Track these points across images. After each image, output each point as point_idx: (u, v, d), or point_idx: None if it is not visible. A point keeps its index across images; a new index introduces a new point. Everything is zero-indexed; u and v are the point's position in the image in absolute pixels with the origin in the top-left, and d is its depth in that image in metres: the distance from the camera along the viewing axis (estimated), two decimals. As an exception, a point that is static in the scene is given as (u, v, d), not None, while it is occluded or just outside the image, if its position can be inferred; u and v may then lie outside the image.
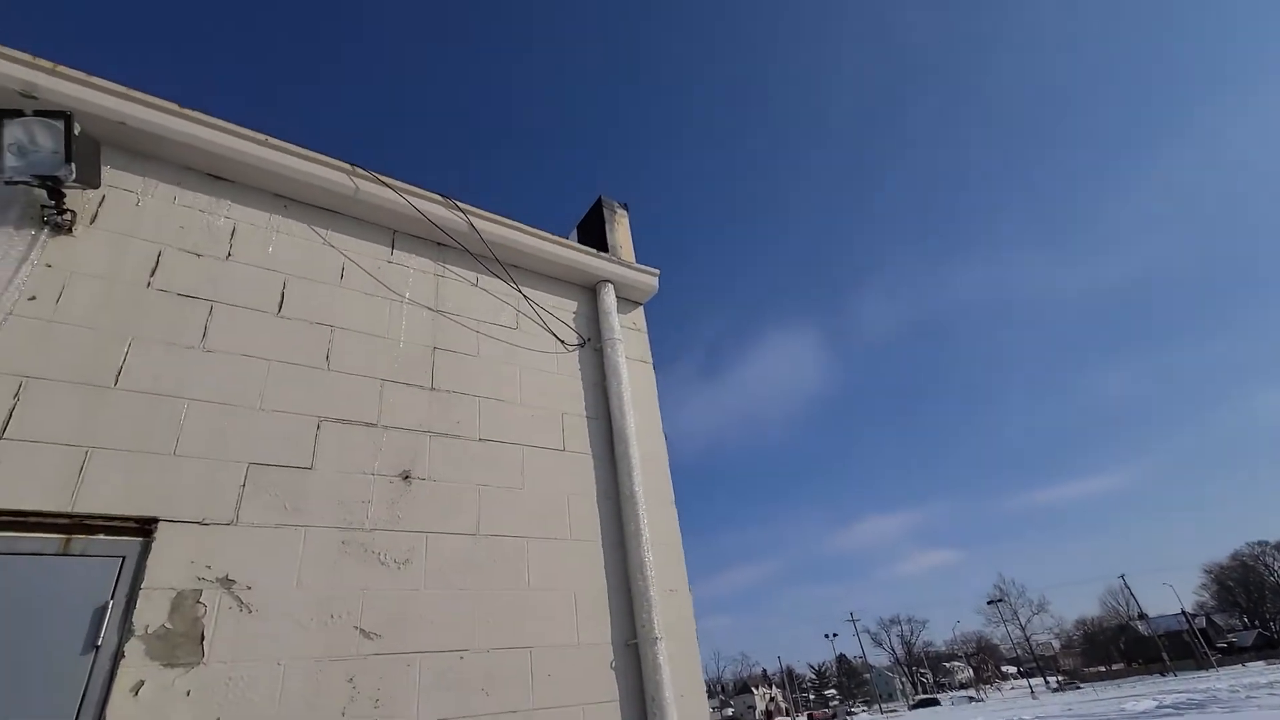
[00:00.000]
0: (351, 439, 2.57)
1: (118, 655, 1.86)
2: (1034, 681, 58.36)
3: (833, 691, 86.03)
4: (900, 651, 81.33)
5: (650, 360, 3.76)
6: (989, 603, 69.18)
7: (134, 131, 2.60)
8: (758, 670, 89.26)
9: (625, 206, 4.45)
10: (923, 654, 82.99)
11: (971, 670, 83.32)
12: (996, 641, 79.78)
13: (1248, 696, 18.35)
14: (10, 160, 2.23)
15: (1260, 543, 62.98)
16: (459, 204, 3.30)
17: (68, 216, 2.36)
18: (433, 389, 2.89)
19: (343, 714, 2.09)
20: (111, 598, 1.94)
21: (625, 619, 2.83)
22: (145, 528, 2.07)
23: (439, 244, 3.32)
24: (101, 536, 2.01)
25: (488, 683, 2.38)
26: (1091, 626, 73.43)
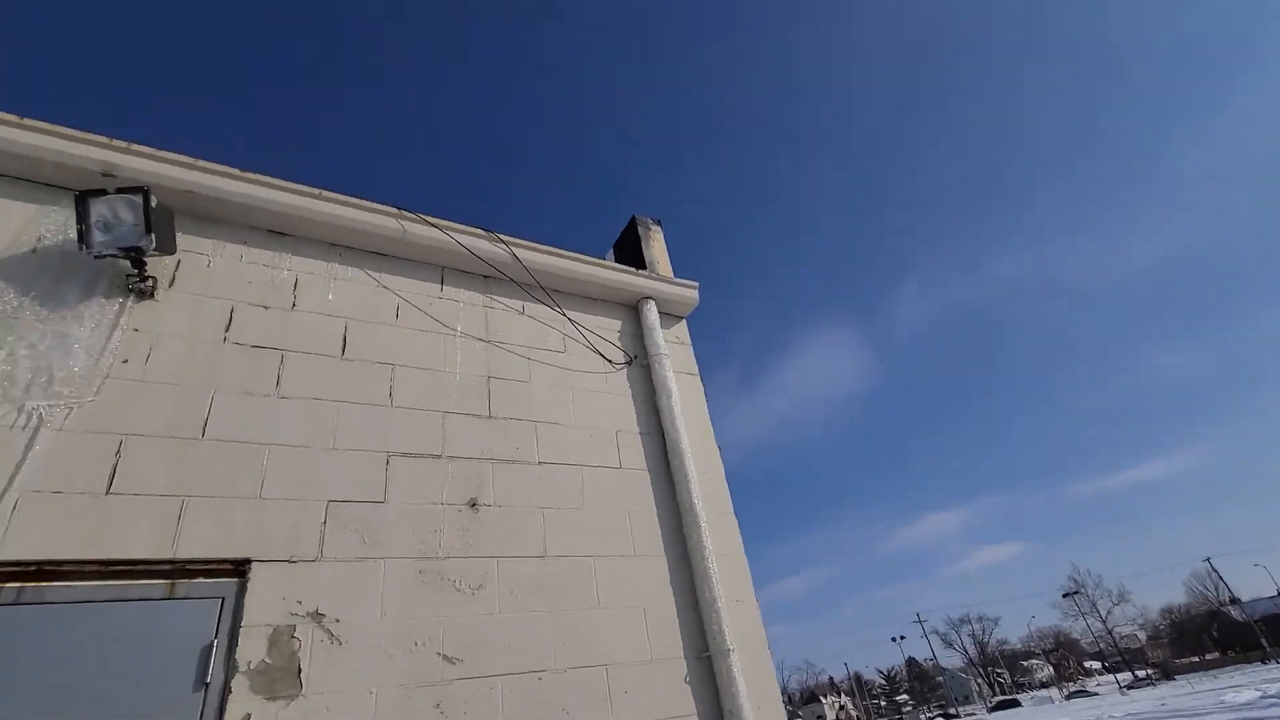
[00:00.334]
0: (419, 471, 2.67)
1: (225, 691, 1.98)
2: (1121, 676, 55.28)
3: (905, 697, 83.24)
4: (973, 651, 78.22)
5: (697, 372, 3.79)
6: (1064, 595, 65.99)
7: (201, 198, 2.78)
8: (824, 678, 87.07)
9: (659, 222, 4.51)
10: (997, 653, 79.67)
11: (1051, 667, 79.48)
12: (1076, 636, 76.04)
13: (1363, 681, 17.02)
14: (98, 236, 2.42)
15: (1360, 512, 58.43)
16: (501, 237, 3.41)
17: (149, 283, 2.54)
18: (490, 417, 2.98)
19: (433, 739, 2.16)
20: (215, 636, 2.06)
21: (695, 632, 2.84)
22: (240, 569, 2.19)
23: (485, 276, 3.44)
24: (201, 579, 2.14)
25: (568, 702, 2.43)
26: (1179, 615, 69.32)
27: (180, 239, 2.70)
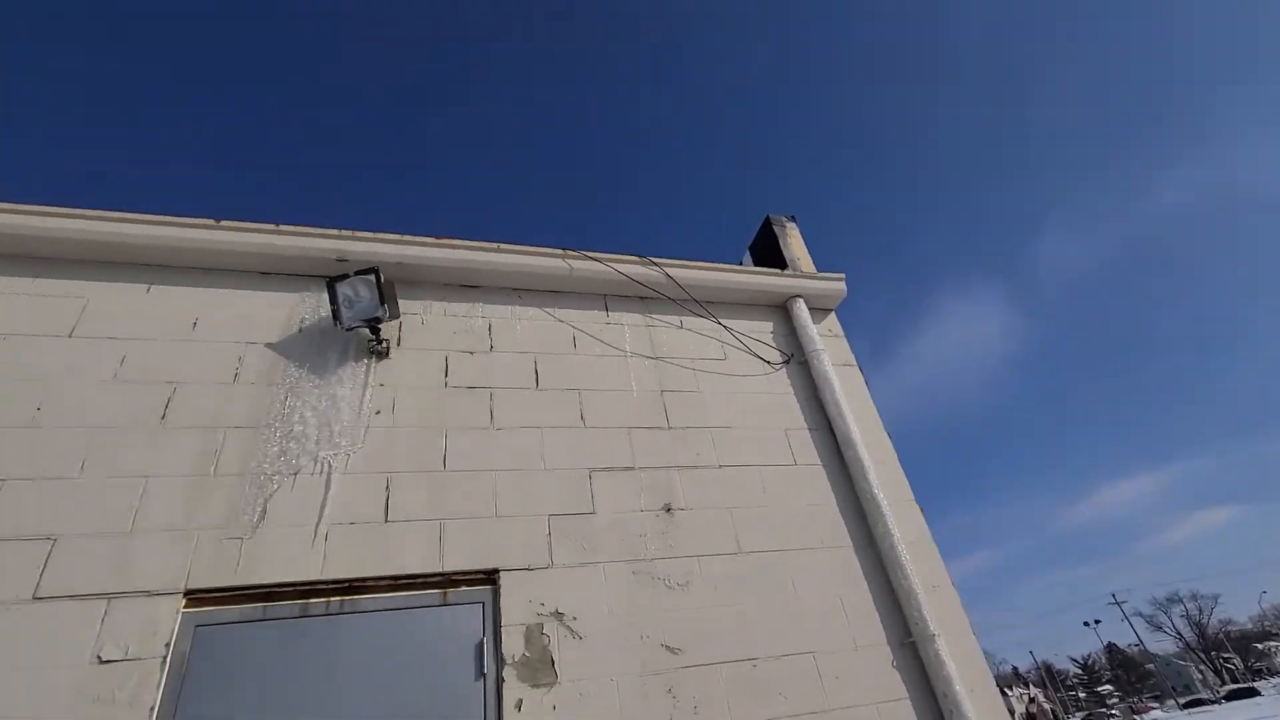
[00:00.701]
0: (616, 483, 2.97)
1: (499, 680, 2.36)
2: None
3: (1108, 687, 74.55)
4: (1189, 634, 68.31)
5: (854, 363, 3.82)
6: (1304, 565, 55.73)
7: (408, 267, 3.29)
8: (1006, 669, 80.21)
9: (793, 219, 4.57)
10: (1221, 635, 69.00)
11: (1297, 650, 67.42)
12: (1326, 612, 63.91)
13: None
14: (345, 312, 2.96)
15: None
16: (653, 260, 3.67)
17: (384, 344, 3.06)
18: (670, 428, 3.23)
19: (670, 719, 2.41)
20: (483, 635, 2.46)
21: (895, 619, 2.90)
22: (491, 577, 2.59)
23: (642, 298, 3.71)
24: (465, 588, 2.56)
25: (783, 687, 2.60)
26: None
27: (401, 304, 3.20)
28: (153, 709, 2.06)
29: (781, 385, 3.61)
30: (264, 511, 2.50)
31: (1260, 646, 70.43)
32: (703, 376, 3.50)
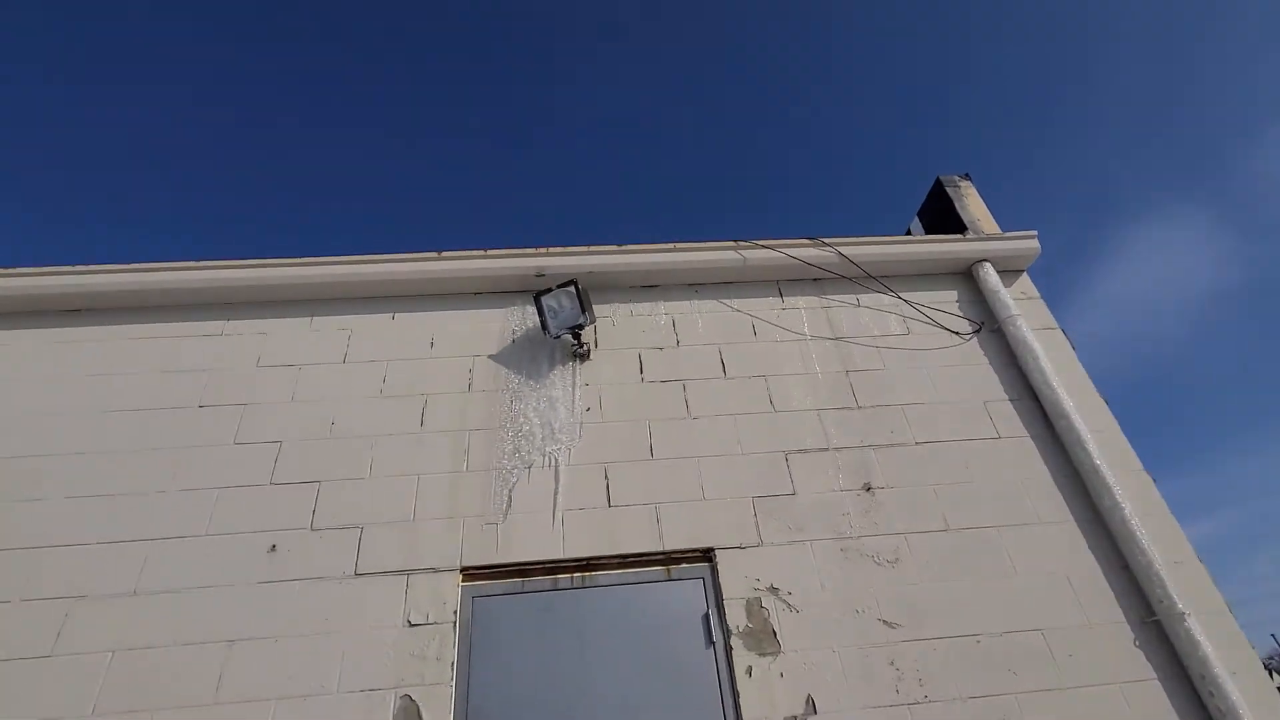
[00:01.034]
0: (812, 464, 3.06)
1: (728, 648, 2.58)
2: None
3: (1388, 681, 61.26)
4: None
5: (1056, 325, 3.56)
6: None
7: (597, 275, 3.59)
8: (1242, 655, 68.58)
9: (967, 176, 4.31)
10: None
11: None
12: None
13: None
14: (552, 322, 3.31)
15: None
16: (824, 240, 3.68)
17: (585, 348, 3.38)
18: (859, 407, 3.25)
19: (896, 690, 2.49)
20: (707, 608, 2.69)
21: (1132, 596, 2.72)
22: (707, 555, 2.81)
23: (815, 280, 3.73)
24: (684, 565, 2.81)
25: (1011, 663, 2.56)
26: None
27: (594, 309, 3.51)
28: (453, 664, 2.52)
29: (974, 356, 3.46)
30: (510, 501, 2.92)
31: None
32: (887, 353, 3.46)
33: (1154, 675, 2.54)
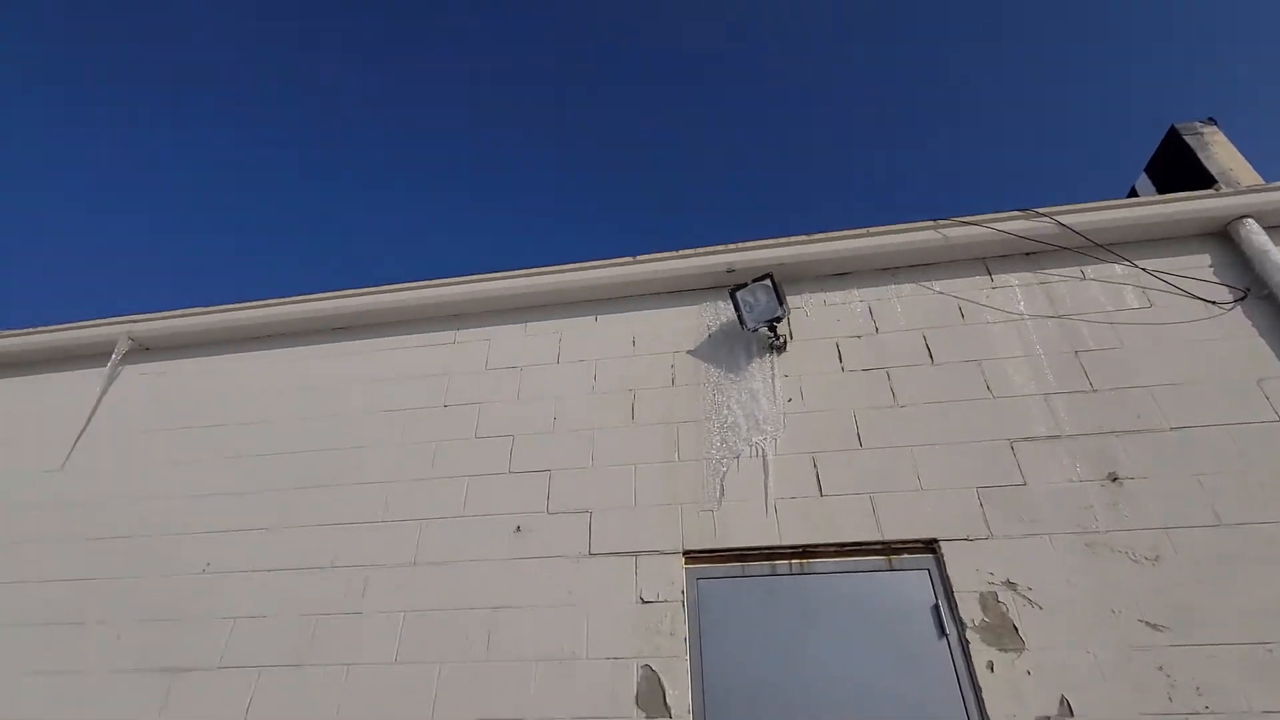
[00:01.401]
0: (1045, 452, 2.86)
1: (963, 641, 2.51)
2: None
3: None
4: None
5: (1352, 286, 2.99)
6: None
7: (787, 266, 3.61)
8: None
9: (1212, 121, 3.74)
10: None
11: None
12: None
13: None
14: (748, 315, 3.40)
15: None
16: (1038, 211, 3.39)
17: (781, 339, 3.43)
18: (1095, 390, 2.97)
19: (1169, 699, 2.27)
20: (935, 600, 2.63)
21: None
22: (930, 546, 2.75)
23: (1027, 254, 3.46)
24: (906, 555, 2.77)
25: (1320, 679, 2.23)
26: None
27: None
28: (685, 640, 2.70)
29: (1238, 327, 3.02)
30: (722, 489, 3.05)
31: None
32: (1124, 330, 3.12)
33: None
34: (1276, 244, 3.12)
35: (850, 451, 3.04)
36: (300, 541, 3.31)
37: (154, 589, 3.32)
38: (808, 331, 3.49)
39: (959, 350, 3.22)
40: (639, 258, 3.79)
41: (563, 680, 2.68)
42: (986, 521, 2.74)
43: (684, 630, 2.72)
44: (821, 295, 3.61)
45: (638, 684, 2.62)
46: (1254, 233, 3.13)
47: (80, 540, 3.58)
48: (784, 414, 3.22)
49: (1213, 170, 3.49)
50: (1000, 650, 2.46)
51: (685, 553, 2.92)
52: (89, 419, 4.07)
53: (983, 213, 3.49)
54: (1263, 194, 3.20)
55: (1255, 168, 3.55)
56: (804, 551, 2.86)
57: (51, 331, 4.34)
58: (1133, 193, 4.09)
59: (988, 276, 3.45)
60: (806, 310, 3.58)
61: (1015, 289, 3.37)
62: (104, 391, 4.18)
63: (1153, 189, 3.93)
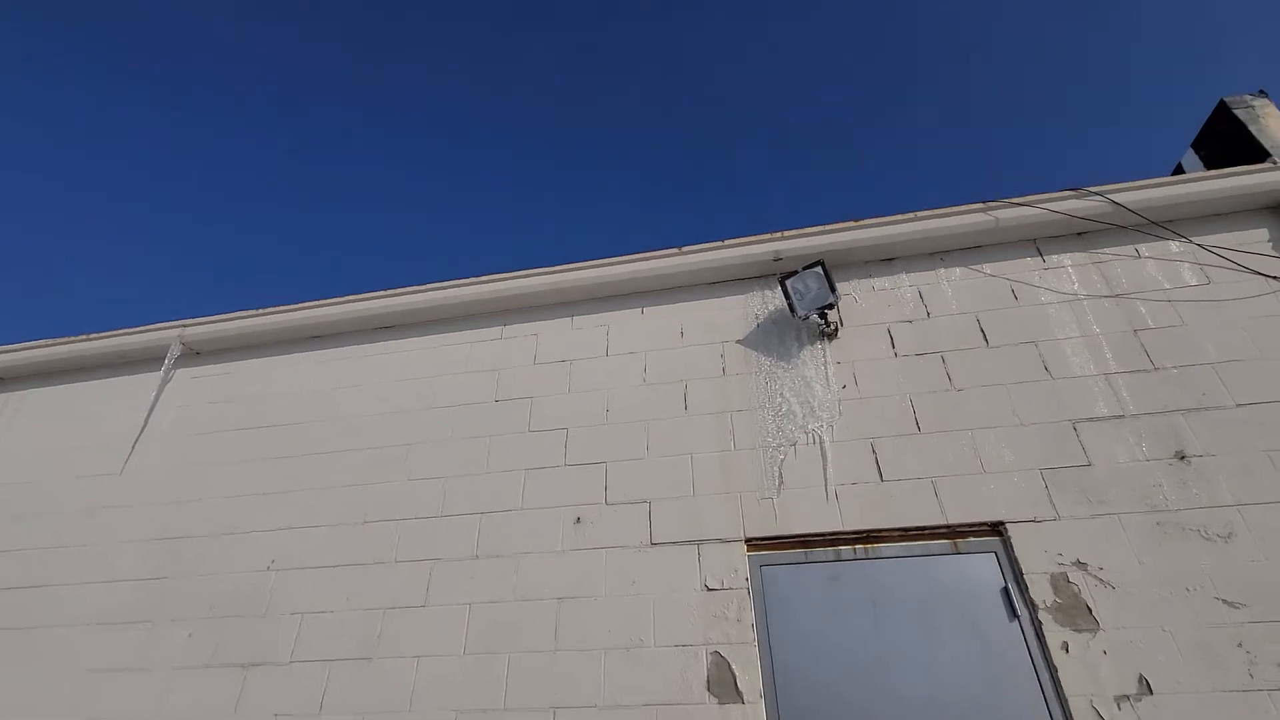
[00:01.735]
0: (1109, 432, 2.84)
1: (1035, 622, 2.51)
2: None
3: None
4: None
5: None
6: None
7: (836, 252, 3.60)
8: None
9: (1264, 94, 3.68)
10: None
11: None
12: None
13: None
14: (798, 303, 3.40)
15: None
16: (1091, 189, 3.36)
17: (831, 326, 3.43)
18: (1156, 369, 2.95)
19: (1250, 675, 2.27)
20: (1005, 582, 2.64)
21: None
22: (996, 529, 2.75)
23: (1079, 234, 3.43)
24: (972, 539, 2.77)
25: (1407, 653, 2.21)
26: None
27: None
28: (752, 625, 2.73)
29: (1303, 302, 2.98)
30: (780, 476, 3.07)
31: None
32: (1183, 307, 3.09)
33: None
34: (1339, 216, 3.07)
35: (908, 436, 3.04)
36: (361, 538, 3.36)
37: (219, 587, 3.39)
38: (858, 318, 3.49)
39: (1014, 332, 3.21)
40: (684, 249, 3.80)
41: (632, 668, 2.71)
42: (1053, 503, 2.73)
43: (750, 616, 2.74)
44: (869, 281, 3.60)
45: (708, 670, 2.65)
46: (1316, 205, 3.08)
47: (144, 542, 3.66)
48: (839, 400, 3.23)
49: (1265, 144, 3.43)
50: (1075, 631, 2.46)
51: (747, 540, 2.94)
52: (145, 423, 4.15)
53: (1031, 193, 3.46)
54: (1323, 166, 3.15)
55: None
56: (867, 536, 2.86)
57: (105, 338, 4.43)
58: (1179, 170, 4.03)
59: (1039, 257, 3.43)
60: (855, 296, 3.57)
61: (1068, 269, 3.35)
62: (158, 395, 4.25)
63: (1200, 165, 3.87)
